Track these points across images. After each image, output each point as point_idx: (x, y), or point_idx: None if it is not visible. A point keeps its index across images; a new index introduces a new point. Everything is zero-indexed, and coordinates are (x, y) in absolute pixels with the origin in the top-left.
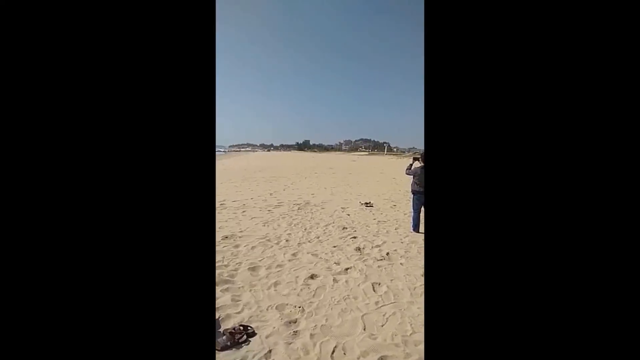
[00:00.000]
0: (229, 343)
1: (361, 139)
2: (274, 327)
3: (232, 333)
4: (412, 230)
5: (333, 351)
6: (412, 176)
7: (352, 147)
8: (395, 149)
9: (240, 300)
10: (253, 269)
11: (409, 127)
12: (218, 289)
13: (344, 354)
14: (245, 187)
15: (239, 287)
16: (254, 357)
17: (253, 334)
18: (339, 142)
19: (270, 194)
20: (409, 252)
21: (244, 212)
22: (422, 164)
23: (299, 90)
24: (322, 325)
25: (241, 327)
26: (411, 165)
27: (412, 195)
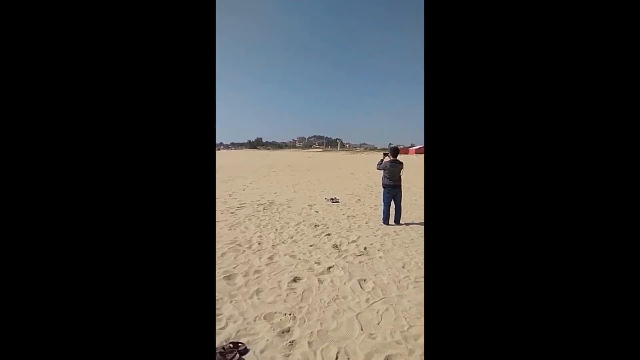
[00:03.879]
0: None
1: (314, 136)
2: (267, 340)
3: (222, 353)
4: (382, 223)
5: (336, 357)
6: (382, 170)
7: (306, 144)
8: (347, 145)
9: (222, 314)
10: (229, 277)
11: (360, 124)
12: None
13: (348, 359)
14: None
15: (218, 299)
16: None
17: (245, 351)
18: (293, 140)
19: (229, 195)
20: (384, 245)
21: None
22: (392, 159)
23: (249, 87)
24: (318, 331)
25: (231, 345)
26: (382, 160)
27: (382, 189)
